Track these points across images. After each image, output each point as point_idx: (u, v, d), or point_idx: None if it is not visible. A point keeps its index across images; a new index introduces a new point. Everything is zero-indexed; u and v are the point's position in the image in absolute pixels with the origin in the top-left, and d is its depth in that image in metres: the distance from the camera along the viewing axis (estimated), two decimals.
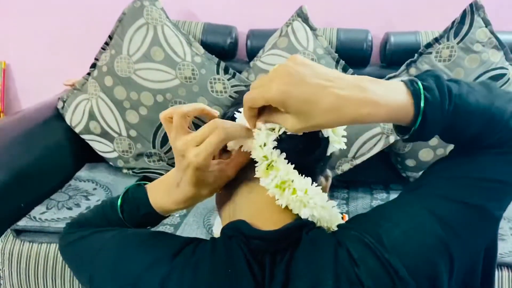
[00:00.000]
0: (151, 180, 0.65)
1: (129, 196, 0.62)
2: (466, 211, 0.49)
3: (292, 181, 0.51)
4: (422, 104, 0.46)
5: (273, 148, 0.51)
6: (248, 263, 0.49)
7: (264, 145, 0.51)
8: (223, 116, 0.61)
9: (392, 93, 0.47)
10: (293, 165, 0.52)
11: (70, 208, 1.36)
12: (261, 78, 0.48)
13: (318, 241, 0.50)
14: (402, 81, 0.49)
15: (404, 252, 0.48)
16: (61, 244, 0.67)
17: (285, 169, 0.51)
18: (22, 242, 1.24)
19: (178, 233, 1.28)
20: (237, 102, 0.63)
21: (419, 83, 0.47)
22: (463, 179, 0.50)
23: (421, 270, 0.48)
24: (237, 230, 0.51)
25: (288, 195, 0.51)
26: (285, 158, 0.52)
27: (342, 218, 1.48)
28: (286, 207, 0.52)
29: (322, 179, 0.59)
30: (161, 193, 0.59)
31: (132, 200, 0.61)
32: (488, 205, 0.50)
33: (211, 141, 0.50)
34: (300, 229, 0.51)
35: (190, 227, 1.31)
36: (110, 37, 1.61)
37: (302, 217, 0.51)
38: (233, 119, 0.57)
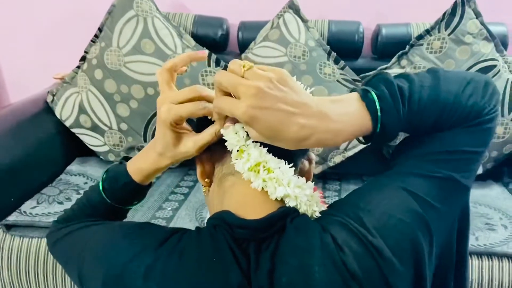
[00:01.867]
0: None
1: (109, 173, 0.63)
2: (437, 184, 0.52)
3: (266, 162, 0.52)
4: (379, 115, 0.49)
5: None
6: (232, 252, 0.50)
7: (236, 133, 0.52)
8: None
9: (350, 115, 0.49)
10: (266, 148, 0.52)
11: (61, 203, 1.35)
12: (233, 80, 0.47)
13: (303, 228, 0.50)
14: (356, 90, 0.51)
15: (386, 233, 0.49)
16: (49, 243, 0.67)
17: (258, 152, 0.51)
18: (13, 237, 1.23)
19: (170, 226, 1.28)
20: None
21: (372, 93, 0.50)
22: (430, 155, 0.53)
23: (404, 248, 0.49)
24: (221, 220, 0.52)
25: (263, 175, 0.51)
26: (257, 142, 0.52)
27: None
28: (270, 198, 0.53)
29: (305, 162, 0.59)
30: (139, 158, 0.60)
31: (112, 175, 0.62)
32: (456, 175, 0.52)
33: (188, 107, 0.53)
34: (284, 217, 0.51)
35: (183, 220, 1.31)
36: (100, 30, 1.59)
37: (277, 195, 0.51)
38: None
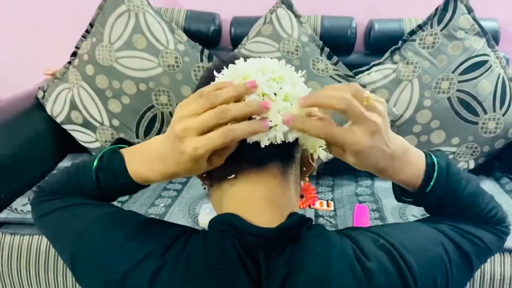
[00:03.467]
0: (126, 142, 0.62)
1: (104, 163, 0.57)
2: (458, 253, 0.56)
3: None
4: (434, 176, 0.55)
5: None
6: (241, 259, 0.49)
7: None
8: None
9: (414, 167, 0.55)
10: None
11: None
12: (355, 105, 0.46)
13: (322, 237, 0.51)
14: (424, 152, 0.57)
15: (416, 254, 0.52)
16: (36, 213, 0.63)
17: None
18: (4, 234, 1.22)
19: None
20: (202, 82, 0.59)
21: (435, 159, 0.56)
22: (459, 229, 0.58)
23: (427, 274, 0.52)
24: (229, 225, 0.50)
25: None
26: None
27: (328, 205, 1.49)
28: (275, 200, 0.52)
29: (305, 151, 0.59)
30: (142, 162, 0.54)
31: (108, 168, 0.57)
32: (472, 256, 0.57)
33: (215, 140, 0.46)
34: (299, 226, 0.51)
35: (176, 217, 1.30)
36: (91, 25, 1.58)
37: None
38: None
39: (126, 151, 0.57)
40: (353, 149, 0.47)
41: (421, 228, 0.57)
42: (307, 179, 0.59)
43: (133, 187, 0.58)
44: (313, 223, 0.53)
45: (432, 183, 0.55)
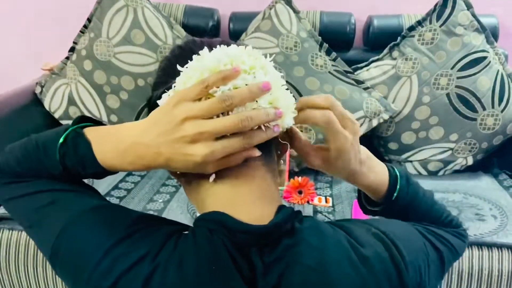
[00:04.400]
0: (88, 120, 0.56)
1: (69, 149, 0.52)
2: (434, 250, 0.59)
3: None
4: (398, 183, 0.62)
5: None
6: (233, 259, 0.47)
7: None
8: (149, 100, 0.57)
9: (379, 174, 0.62)
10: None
11: None
12: (348, 115, 0.54)
13: (314, 228, 0.51)
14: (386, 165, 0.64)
15: (405, 243, 0.54)
16: (2, 196, 0.58)
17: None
18: (1, 230, 1.22)
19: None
20: (160, 81, 0.57)
21: (396, 170, 0.63)
22: (428, 229, 0.62)
23: (415, 263, 0.53)
24: (218, 223, 0.49)
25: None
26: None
27: (326, 201, 1.49)
28: (260, 196, 0.52)
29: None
30: (112, 152, 0.50)
31: (73, 155, 0.52)
32: (444, 256, 0.60)
33: (234, 147, 0.47)
34: (290, 219, 0.50)
35: (174, 212, 1.30)
36: (89, 20, 1.57)
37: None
38: (157, 103, 0.52)
39: (92, 135, 0.52)
40: (346, 143, 0.53)
41: (404, 224, 0.60)
42: (281, 161, 0.60)
43: (103, 174, 0.54)
44: (305, 216, 0.53)
45: (398, 188, 0.61)
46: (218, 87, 0.47)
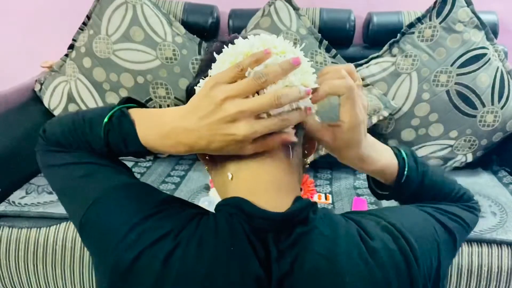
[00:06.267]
0: (135, 101, 0.60)
1: (114, 126, 0.56)
2: (444, 231, 0.60)
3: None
4: (406, 164, 0.63)
5: None
6: (250, 242, 0.49)
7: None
8: (188, 89, 0.60)
9: (386, 153, 0.63)
10: None
11: (50, 192, 1.34)
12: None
13: (328, 219, 0.53)
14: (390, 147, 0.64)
15: (415, 234, 0.55)
16: (43, 162, 0.61)
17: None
18: (2, 227, 1.22)
19: None
20: (201, 70, 0.61)
21: (403, 152, 0.64)
22: (438, 209, 0.62)
23: (425, 253, 0.54)
24: (238, 208, 0.51)
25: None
26: None
27: (326, 198, 1.49)
28: (281, 185, 0.54)
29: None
30: (154, 135, 0.53)
31: (118, 132, 0.56)
32: (456, 233, 0.61)
33: (272, 127, 0.50)
34: (306, 209, 0.52)
35: None
36: (88, 17, 1.57)
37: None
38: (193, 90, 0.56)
39: (136, 116, 0.56)
40: (356, 114, 0.54)
41: (413, 210, 0.60)
42: (308, 161, 0.60)
43: (144, 153, 0.57)
44: (320, 207, 0.55)
45: (406, 169, 0.62)
46: (252, 69, 0.50)
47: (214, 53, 0.55)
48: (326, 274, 0.49)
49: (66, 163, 0.58)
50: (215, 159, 0.57)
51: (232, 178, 0.54)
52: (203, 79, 0.54)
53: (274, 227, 0.50)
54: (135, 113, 0.56)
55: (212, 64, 0.54)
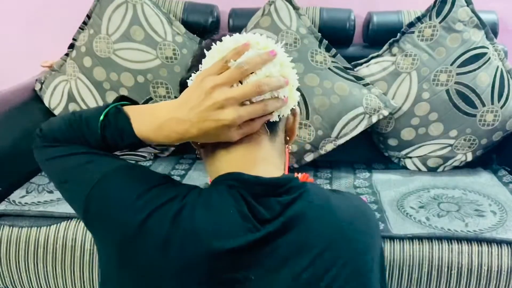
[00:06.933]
0: (128, 99, 0.65)
1: (110, 121, 0.61)
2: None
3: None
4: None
5: None
6: (248, 205, 0.55)
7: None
8: (181, 82, 0.66)
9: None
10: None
11: (50, 192, 1.34)
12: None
13: (321, 188, 0.63)
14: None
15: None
16: (41, 156, 0.65)
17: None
18: (2, 226, 1.22)
19: None
20: (193, 65, 0.66)
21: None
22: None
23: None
24: (236, 179, 0.57)
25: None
26: None
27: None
28: (270, 162, 0.61)
29: (289, 116, 0.66)
30: (149, 127, 0.58)
31: (114, 127, 0.60)
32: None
33: (257, 111, 0.56)
34: (297, 179, 0.60)
35: None
36: (88, 16, 1.57)
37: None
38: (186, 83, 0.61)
39: (131, 111, 0.61)
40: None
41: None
42: (290, 147, 0.68)
43: (139, 145, 0.62)
44: None
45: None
46: (235, 60, 0.56)
47: (204, 49, 0.61)
48: (327, 220, 0.58)
49: (66, 154, 0.62)
50: (207, 145, 0.62)
51: (228, 150, 0.60)
52: (195, 73, 0.60)
53: (272, 190, 0.57)
54: (130, 109, 0.61)
55: (203, 60, 0.60)
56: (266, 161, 0.60)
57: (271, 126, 0.62)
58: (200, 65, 0.60)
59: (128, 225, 0.53)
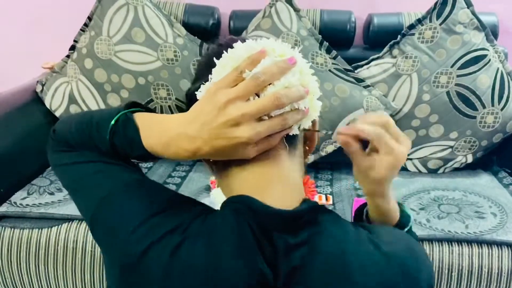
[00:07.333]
0: (139, 105, 0.61)
1: (119, 129, 0.57)
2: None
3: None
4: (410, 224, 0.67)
5: None
6: (256, 239, 0.50)
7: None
8: (189, 94, 0.61)
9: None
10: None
11: (52, 193, 1.34)
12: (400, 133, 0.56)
13: (337, 221, 0.54)
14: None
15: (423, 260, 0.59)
16: (54, 160, 0.64)
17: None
18: (3, 228, 1.22)
19: None
20: (201, 74, 0.60)
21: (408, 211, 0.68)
22: None
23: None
24: (244, 205, 0.52)
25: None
26: None
27: (327, 199, 1.49)
28: (285, 181, 0.55)
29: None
30: (158, 141, 0.54)
31: (123, 136, 0.57)
32: None
33: (274, 128, 0.50)
34: (316, 211, 0.53)
35: None
36: (90, 18, 1.57)
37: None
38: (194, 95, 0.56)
39: (140, 121, 0.56)
40: (402, 159, 0.55)
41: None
42: (308, 160, 0.62)
43: (149, 157, 0.58)
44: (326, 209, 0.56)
45: (408, 227, 0.65)
46: (249, 71, 0.50)
47: (214, 58, 0.55)
48: (336, 273, 0.50)
49: (76, 161, 0.60)
50: (219, 161, 0.57)
51: (242, 167, 0.55)
52: (203, 84, 0.54)
53: (281, 224, 0.51)
54: (140, 118, 0.57)
55: (212, 69, 0.54)
56: (284, 181, 0.55)
57: (290, 140, 0.56)
58: (210, 75, 0.54)
59: (129, 255, 0.51)
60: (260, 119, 0.50)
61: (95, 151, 0.59)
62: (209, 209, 0.56)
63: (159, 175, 1.53)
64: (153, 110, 0.61)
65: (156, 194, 0.57)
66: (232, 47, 0.54)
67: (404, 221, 0.64)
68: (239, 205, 0.52)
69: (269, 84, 0.50)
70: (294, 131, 0.54)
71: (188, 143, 0.51)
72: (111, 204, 0.55)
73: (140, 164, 0.67)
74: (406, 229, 0.64)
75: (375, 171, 0.55)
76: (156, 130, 0.54)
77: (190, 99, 0.59)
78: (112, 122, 0.57)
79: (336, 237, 0.52)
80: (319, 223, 0.52)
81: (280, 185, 0.54)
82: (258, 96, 0.51)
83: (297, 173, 0.57)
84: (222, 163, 0.56)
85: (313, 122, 0.58)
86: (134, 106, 0.60)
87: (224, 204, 0.54)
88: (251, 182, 0.54)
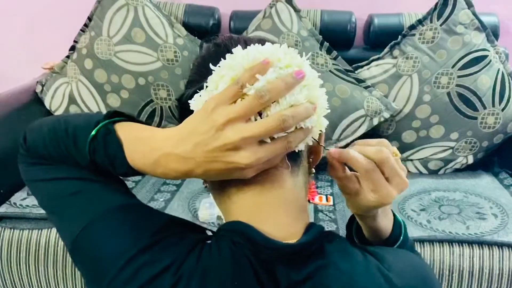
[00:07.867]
0: (122, 115, 0.52)
1: (99, 145, 0.49)
2: None
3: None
4: (402, 231, 0.63)
5: None
6: (256, 275, 0.46)
7: None
8: (182, 101, 0.54)
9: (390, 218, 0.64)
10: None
11: None
12: (398, 170, 0.50)
13: (345, 252, 0.50)
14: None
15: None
16: (27, 175, 0.55)
17: None
18: (3, 229, 1.22)
19: None
20: (194, 79, 0.54)
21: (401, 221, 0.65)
22: None
23: None
24: (243, 236, 0.47)
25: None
26: None
27: (327, 200, 1.49)
28: (285, 206, 0.50)
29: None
30: (144, 159, 0.47)
31: (104, 153, 0.49)
32: None
33: (277, 152, 0.45)
34: (321, 240, 0.49)
35: (175, 212, 1.30)
36: (90, 19, 1.57)
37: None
38: (188, 101, 0.50)
39: (124, 135, 0.49)
40: (388, 200, 0.50)
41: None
42: (313, 170, 0.56)
43: (133, 174, 0.51)
44: (334, 235, 0.51)
45: (401, 239, 0.61)
46: (251, 85, 0.44)
47: (210, 63, 0.48)
48: None
49: (53, 178, 0.52)
50: (215, 181, 0.52)
51: (240, 188, 0.49)
52: (198, 91, 0.48)
53: (283, 259, 0.46)
54: (123, 131, 0.49)
55: (209, 76, 0.47)
56: (286, 205, 0.49)
57: (293, 157, 0.50)
58: (204, 81, 0.48)
59: None
60: (261, 142, 0.44)
61: (72, 166, 0.52)
62: (203, 237, 0.50)
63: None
64: (137, 119, 0.53)
65: (144, 222, 0.50)
66: (230, 48, 0.48)
67: (396, 234, 0.60)
68: (238, 237, 0.47)
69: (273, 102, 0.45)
70: (299, 147, 0.48)
71: (178, 164, 0.45)
72: (93, 235, 0.48)
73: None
74: (400, 239, 0.61)
75: (360, 198, 0.51)
76: (142, 147, 0.47)
77: (182, 107, 0.53)
78: (92, 133, 0.49)
79: (344, 270, 0.47)
80: (325, 255, 0.47)
81: (281, 210, 0.49)
82: (260, 116, 0.45)
83: (301, 193, 0.51)
84: (218, 182, 0.51)
85: (319, 135, 0.52)
86: (116, 115, 0.51)
87: (221, 232, 0.49)
88: (250, 207, 0.49)
